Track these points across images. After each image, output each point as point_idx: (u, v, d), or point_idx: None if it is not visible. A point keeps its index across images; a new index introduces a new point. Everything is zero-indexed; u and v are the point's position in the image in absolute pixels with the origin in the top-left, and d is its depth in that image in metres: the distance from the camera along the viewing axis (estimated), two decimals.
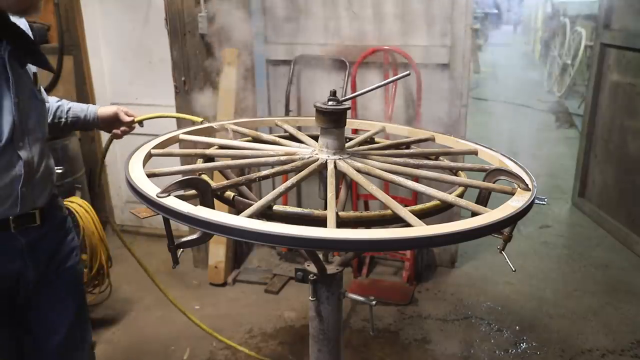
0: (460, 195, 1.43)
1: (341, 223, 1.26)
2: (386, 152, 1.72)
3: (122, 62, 3.87)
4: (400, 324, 3.06)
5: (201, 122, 1.95)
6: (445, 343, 2.90)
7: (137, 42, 3.77)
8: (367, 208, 3.55)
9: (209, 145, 1.77)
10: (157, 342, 2.92)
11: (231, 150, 1.73)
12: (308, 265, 1.59)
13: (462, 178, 1.55)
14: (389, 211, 1.29)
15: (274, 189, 1.36)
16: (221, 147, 1.74)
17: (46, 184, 1.62)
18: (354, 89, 3.29)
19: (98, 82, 3.95)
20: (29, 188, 1.52)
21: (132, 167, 1.45)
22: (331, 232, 1.14)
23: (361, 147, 1.75)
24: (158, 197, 1.23)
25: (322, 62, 3.44)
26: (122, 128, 2.03)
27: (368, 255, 3.53)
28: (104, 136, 4.07)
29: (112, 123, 2.01)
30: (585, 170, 4.52)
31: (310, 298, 1.61)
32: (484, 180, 1.46)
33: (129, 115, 2.01)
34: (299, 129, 1.97)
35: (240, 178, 1.47)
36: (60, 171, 2.58)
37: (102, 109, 1.98)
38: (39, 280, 1.62)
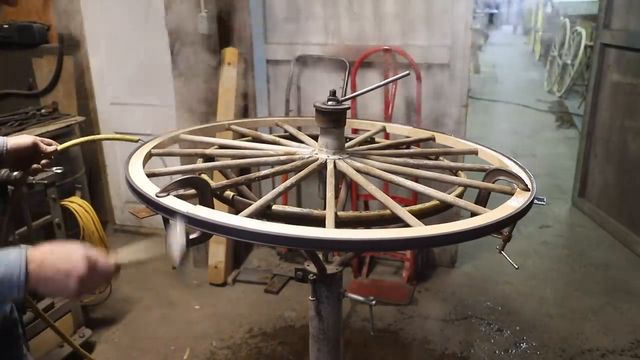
0: (460, 196, 1.43)
1: (340, 223, 1.26)
2: (386, 152, 1.72)
3: (122, 62, 3.87)
4: (400, 324, 3.06)
5: (137, 141, 1.70)
6: (445, 343, 2.90)
7: (137, 42, 3.77)
8: (366, 208, 3.55)
9: (209, 145, 1.77)
10: (157, 342, 2.92)
11: (231, 150, 1.73)
12: (308, 265, 1.60)
13: (462, 178, 1.55)
14: (388, 211, 1.29)
15: (274, 188, 1.36)
16: (221, 146, 1.74)
17: None
18: (354, 89, 3.29)
19: (98, 82, 3.96)
20: None
21: (132, 167, 1.45)
22: (330, 232, 1.14)
23: (361, 147, 1.76)
24: (157, 196, 1.23)
25: (322, 62, 3.44)
26: (44, 161, 1.62)
27: (368, 255, 3.53)
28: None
29: (28, 157, 1.58)
30: (585, 170, 4.51)
31: (310, 298, 1.61)
32: (483, 181, 1.46)
33: (48, 145, 1.62)
34: (299, 129, 1.97)
35: (240, 178, 1.47)
36: (60, 171, 2.59)
37: (14, 140, 1.54)
38: None
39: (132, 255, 1.15)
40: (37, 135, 2.83)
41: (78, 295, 1.05)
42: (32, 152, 1.58)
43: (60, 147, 1.66)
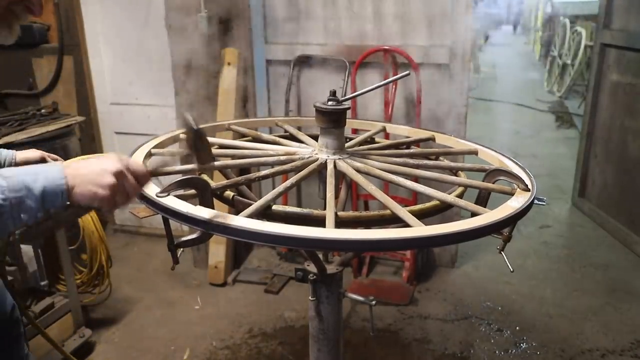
0: (460, 196, 1.43)
1: (340, 223, 1.26)
2: (386, 152, 1.72)
3: (122, 62, 3.87)
4: (400, 324, 3.06)
5: None
6: (445, 343, 2.90)
7: (137, 42, 3.77)
8: (367, 208, 3.55)
9: None
10: (157, 342, 2.92)
11: (231, 150, 1.73)
12: (308, 265, 1.60)
13: (462, 178, 1.55)
14: (388, 211, 1.29)
15: (274, 189, 1.36)
16: (221, 146, 1.74)
17: None
18: (353, 89, 3.29)
19: (98, 82, 3.96)
20: None
21: None
22: (330, 232, 1.14)
23: (361, 147, 1.76)
24: (157, 196, 1.23)
25: (322, 62, 3.44)
26: None
27: (368, 255, 3.53)
28: (104, 135, 4.07)
29: None
30: (585, 170, 4.51)
31: (310, 298, 1.61)
32: (483, 181, 1.46)
33: (54, 160, 1.65)
34: (299, 129, 1.97)
35: (240, 178, 1.47)
36: None
37: (23, 154, 1.56)
38: None
39: (160, 162, 1.17)
40: (37, 136, 2.84)
41: (114, 194, 1.06)
42: None
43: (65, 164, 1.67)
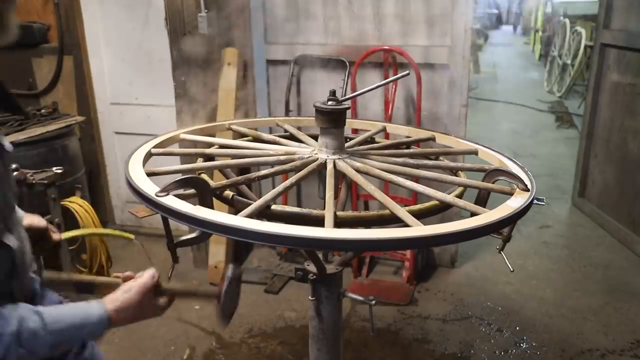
0: (460, 196, 1.43)
1: (339, 223, 1.26)
2: (386, 152, 1.72)
3: (122, 62, 3.87)
4: (400, 324, 3.05)
5: (132, 240, 1.75)
6: (445, 343, 2.90)
7: (137, 42, 3.77)
8: (366, 208, 3.55)
9: (209, 145, 1.77)
10: (157, 342, 2.92)
11: (231, 149, 1.73)
12: (308, 265, 1.59)
13: (461, 178, 1.55)
14: (387, 211, 1.29)
15: (274, 188, 1.36)
16: (221, 146, 1.74)
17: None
18: (353, 89, 3.29)
19: (98, 82, 3.96)
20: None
21: (132, 166, 1.45)
22: (330, 232, 1.14)
23: (361, 147, 1.76)
24: (157, 196, 1.23)
25: (322, 62, 3.44)
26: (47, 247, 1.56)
27: (368, 255, 3.53)
28: (104, 135, 4.07)
29: (33, 237, 1.44)
30: (585, 170, 4.51)
31: (310, 298, 1.61)
32: (483, 181, 1.46)
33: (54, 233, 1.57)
34: (299, 129, 1.97)
35: (239, 177, 1.47)
36: (60, 171, 2.59)
37: (29, 219, 1.46)
38: None
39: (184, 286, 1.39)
40: (37, 136, 2.85)
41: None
42: (40, 236, 1.50)
43: (64, 236, 1.68)
